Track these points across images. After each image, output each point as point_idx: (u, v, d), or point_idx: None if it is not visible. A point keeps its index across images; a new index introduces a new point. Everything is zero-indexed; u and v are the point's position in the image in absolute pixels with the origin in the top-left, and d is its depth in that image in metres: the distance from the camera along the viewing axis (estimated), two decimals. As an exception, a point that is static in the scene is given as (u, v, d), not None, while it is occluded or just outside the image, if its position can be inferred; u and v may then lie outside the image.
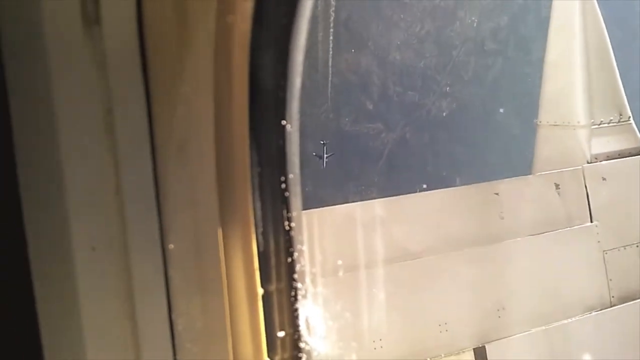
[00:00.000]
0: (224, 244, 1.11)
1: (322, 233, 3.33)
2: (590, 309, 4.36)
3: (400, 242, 3.90)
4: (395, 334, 3.79)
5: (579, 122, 4.56)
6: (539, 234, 4.28)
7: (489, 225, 4.23)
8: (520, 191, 4.44)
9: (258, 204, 1.14)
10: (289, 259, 1.17)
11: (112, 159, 1.04)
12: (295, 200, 1.17)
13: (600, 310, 4.37)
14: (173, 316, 1.10)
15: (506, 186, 4.32)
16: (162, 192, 1.08)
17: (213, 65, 1.03)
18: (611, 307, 4.37)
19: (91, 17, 0.96)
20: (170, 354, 1.08)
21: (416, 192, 3.76)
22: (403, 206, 4.12)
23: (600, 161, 4.48)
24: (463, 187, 4.24)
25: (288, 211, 1.17)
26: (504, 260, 4.20)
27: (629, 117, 4.58)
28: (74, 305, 1.11)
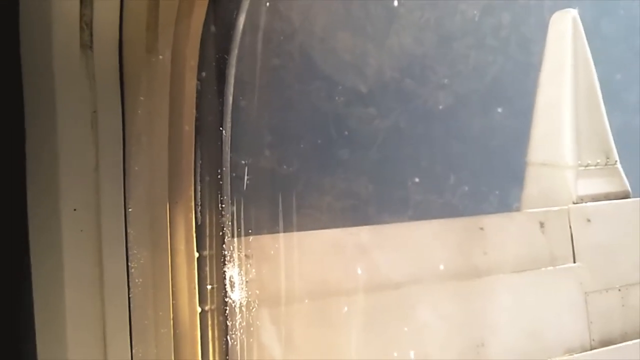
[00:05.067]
0: (170, 215, 1.70)
1: (301, 257, 3.73)
2: (571, 351, 4.67)
3: (382, 271, 4.28)
4: (370, 363, 4.12)
5: (567, 163, 5.04)
6: (521, 271, 4.62)
7: (472, 260, 4.58)
8: (505, 227, 4.81)
9: (199, 188, 1.74)
10: (220, 232, 1.75)
11: (94, 145, 1.67)
12: (227, 187, 1.77)
13: (581, 352, 4.69)
14: (129, 263, 1.70)
15: (491, 221, 4.68)
16: (128, 170, 1.70)
17: (169, 83, 1.66)
18: (591, 350, 4.70)
19: (86, 43, 1.61)
20: (126, 291, 1.67)
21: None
22: (388, 234, 4.46)
23: (586, 203, 4.93)
24: (448, 219, 4.68)
25: (221, 195, 1.77)
26: (485, 296, 4.54)
27: (616, 160, 5.07)
28: (58, 253, 1.73)
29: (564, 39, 5.08)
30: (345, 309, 3.93)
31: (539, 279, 4.69)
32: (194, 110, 1.66)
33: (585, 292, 4.75)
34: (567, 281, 4.77)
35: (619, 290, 4.81)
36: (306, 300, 3.49)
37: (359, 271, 4.12)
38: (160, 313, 1.67)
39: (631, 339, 4.70)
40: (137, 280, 1.70)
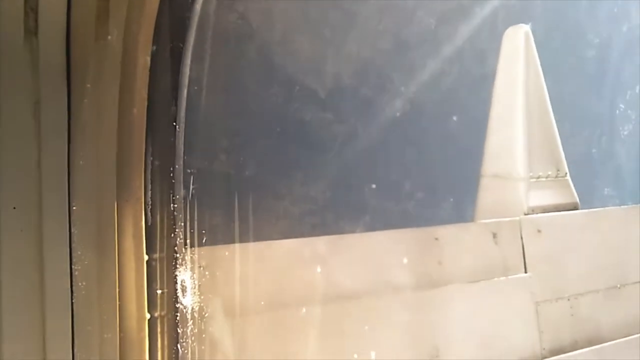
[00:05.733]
0: (118, 215, 1.59)
1: (256, 265, 3.63)
2: (522, 360, 4.72)
3: (339, 281, 4.22)
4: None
5: (518, 175, 5.13)
6: (475, 281, 4.66)
7: (427, 270, 4.59)
8: (459, 238, 4.84)
9: (149, 186, 1.64)
10: (172, 234, 1.65)
11: (36, 139, 1.55)
12: (179, 187, 1.67)
13: (532, 362, 4.73)
14: (73, 266, 1.57)
15: (446, 232, 4.71)
16: (72, 165, 1.58)
17: (120, 72, 1.56)
18: (542, 359, 4.76)
19: (31, 29, 1.49)
20: (68, 294, 1.55)
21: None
22: (345, 245, 4.42)
23: (537, 214, 5.01)
24: (404, 230, 4.66)
25: (174, 195, 1.67)
26: (440, 306, 4.55)
27: (566, 172, 5.20)
28: (-6, 253, 1.59)
29: (517, 54, 5.20)
30: (301, 319, 3.86)
31: (492, 289, 4.73)
32: (146, 103, 1.56)
33: (536, 302, 4.81)
34: (518, 291, 4.83)
35: (568, 300, 4.90)
36: (261, 310, 3.40)
37: (316, 282, 4.06)
38: (105, 317, 1.55)
39: (581, 348, 4.78)
40: (80, 284, 1.57)
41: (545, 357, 4.73)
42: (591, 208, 5.36)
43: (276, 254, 3.77)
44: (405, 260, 4.47)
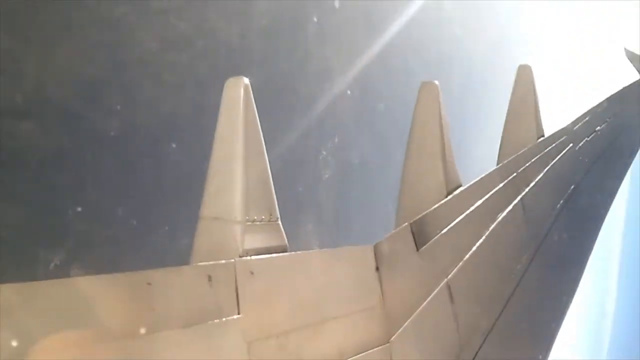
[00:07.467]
0: None
1: None
2: (230, 401, 4.66)
3: (30, 338, 3.61)
4: None
5: (235, 218, 5.20)
6: (190, 326, 4.49)
7: (139, 317, 4.27)
8: (174, 282, 4.65)
9: None
10: None
11: None
12: None
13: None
14: None
15: (159, 276, 4.48)
16: None
17: None
18: (250, 399, 4.76)
19: None
20: None
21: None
22: (40, 294, 3.83)
23: (250, 256, 5.13)
24: (114, 275, 4.23)
25: None
26: (153, 355, 4.25)
27: (277, 217, 5.46)
28: None
29: (237, 103, 5.34)
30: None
31: (207, 332, 4.68)
32: None
33: (248, 342, 4.89)
34: (232, 332, 4.88)
35: (277, 337, 5.09)
36: None
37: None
38: None
39: None
40: None
41: (252, 398, 4.78)
42: (297, 244, 5.71)
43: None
44: (114, 309, 4.10)
